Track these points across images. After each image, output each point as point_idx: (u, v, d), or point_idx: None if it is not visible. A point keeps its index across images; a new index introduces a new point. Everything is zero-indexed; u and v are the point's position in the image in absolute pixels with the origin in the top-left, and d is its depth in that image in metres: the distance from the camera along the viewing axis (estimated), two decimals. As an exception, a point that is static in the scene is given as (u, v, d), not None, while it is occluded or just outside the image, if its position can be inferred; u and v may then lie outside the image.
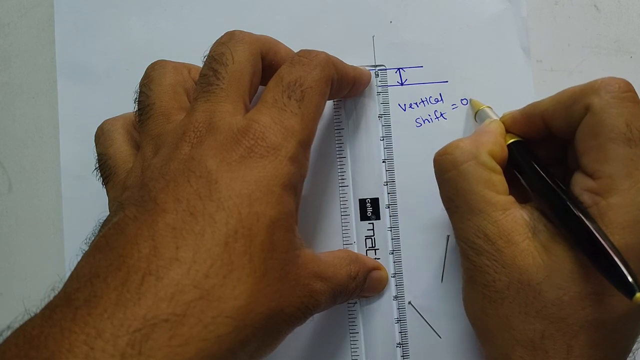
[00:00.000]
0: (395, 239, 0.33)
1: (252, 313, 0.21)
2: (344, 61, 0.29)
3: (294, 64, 0.26)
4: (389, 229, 0.33)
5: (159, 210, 0.22)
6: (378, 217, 0.34)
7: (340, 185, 0.34)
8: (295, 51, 0.27)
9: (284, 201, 0.23)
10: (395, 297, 0.33)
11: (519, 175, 0.27)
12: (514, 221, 0.25)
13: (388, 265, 0.33)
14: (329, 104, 0.34)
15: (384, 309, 0.33)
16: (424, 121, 0.34)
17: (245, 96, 0.26)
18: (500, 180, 0.26)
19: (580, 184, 0.25)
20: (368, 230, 0.34)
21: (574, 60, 0.34)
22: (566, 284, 0.24)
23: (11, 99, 0.37)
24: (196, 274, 0.20)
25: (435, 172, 0.28)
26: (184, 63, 0.29)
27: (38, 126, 0.36)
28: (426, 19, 0.34)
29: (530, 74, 0.34)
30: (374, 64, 0.34)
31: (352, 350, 0.33)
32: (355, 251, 0.33)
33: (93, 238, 0.23)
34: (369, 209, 0.34)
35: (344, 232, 0.34)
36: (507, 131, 0.29)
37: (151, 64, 0.28)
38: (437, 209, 0.33)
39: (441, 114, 0.34)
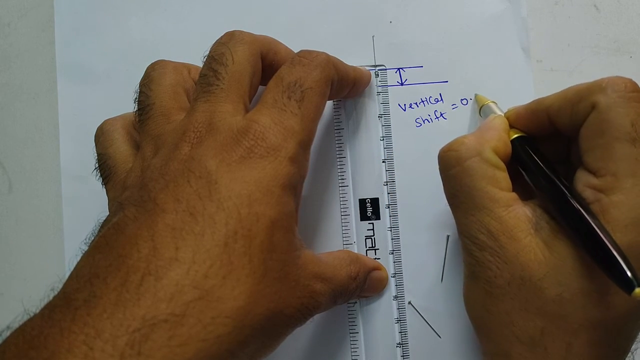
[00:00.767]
0: (395, 239, 0.33)
1: (252, 314, 0.21)
2: (344, 61, 0.29)
3: (294, 64, 0.26)
4: (389, 229, 0.33)
5: (159, 210, 0.22)
6: (378, 217, 0.34)
7: (340, 185, 0.34)
8: (295, 51, 0.27)
9: (283, 202, 0.23)
10: (395, 297, 0.33)
11: (522, 171, 0.28)
12: (516, 218, 0.25)
13: (388, 265, 0.33)
14: (329, 104, 0.34)
15: (384, 309, 0.33)
16: (424, 121, 0.34)
17: (245, 96, 0.26)
18: (503, 177, 0.27)
19: (583, 180, 0.25)
20: (368, 230, 0.34)
21: (574, 60, 0.34)
22: (567, 281, 0.24)
23: (11, 99, 0.37)
24: (195, 275, 0.20)
25: (439, 168, 0.28)
26: (184, 63, 0.29)
27: (38, 126, 0.36)
28: (426, 19, 0.34)
29: (530, 74, 0.34)
30: (374, 64, 0.34)
31: (352, 350, 0.33)
32: (355, 251, 0.33)
33: (93, 238, 0.23)
34: (369, 209, 0.34)
35: (344, 232, 0.34)
36: (511, 126, 0.29)
37: (151, 64, 0.28)
38: (437, 209, 0.33)
39: (441, 114, 0.34)
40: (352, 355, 0.33)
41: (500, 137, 0.28)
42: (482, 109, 0.32)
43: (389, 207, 0.34)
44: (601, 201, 0.24)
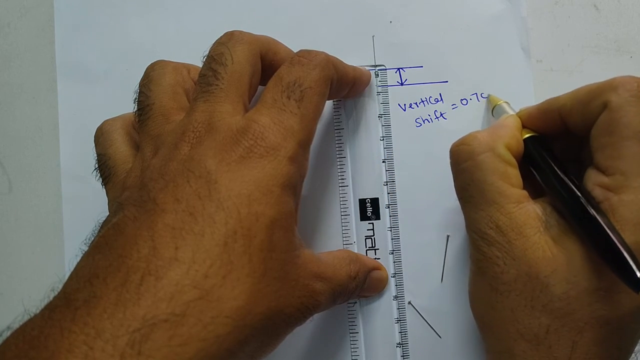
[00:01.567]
0: (395, 239, 0.33)
1: (252, 313, 0.21)
2: (344, 61, 0.29)
3: (294, 64, 0.26)
4: (389, 229, 0.33)
5: (159, 210, 0.22)
6: (378, 217, 0.34)
7: (340, 185, 0.34)
8: (295, 51, 0.27)
9: (283, 201, 0.23)
10: (395, 297, 0.33)
11: (533, 171, 0.28)
12: (526, 214, 0.25)
13: (388, 265, 0.33)
14: (329, 104, 0.34)
15: (384, 309, 0.33)
16: (423, 121, 0.34)
17: (245, 96, 0.26)
18: (515, 174, 0.27)
19: (592, 179, 0.25)
20: (368, 230, 0.34)
21: (574, 60, 0.34)
22: (574, 279, 0.24)
23: (11, 99, 0.37)
24: (195, 274, 0.20)
25: (451, 161, 0.28)
26: (183, 63, 0.29)
27: (38, 126, 0.36)
28: (426, 19, 0.34)
29: (530, 74, 0.34)
30: (374, 64, 0.34)
31: (352, 350, 0.33)
32: (355, 251, 0.33)
33: (93, 238, 0.23)
34: (369, 209, 0.34)
35: (344, 232, 0.34)
36: (523, 126, 0.29)
37: (151, 64, 0.28)
38: (437, 209, 0.33)
39: (441, 114, 0.34)
40: (352, 355, 0.33)
41: (513, 134, 0.28)
42: (494, 109, 0.32)
43: (389, 207, 0.34)
44: (610, 200, 0.24)
